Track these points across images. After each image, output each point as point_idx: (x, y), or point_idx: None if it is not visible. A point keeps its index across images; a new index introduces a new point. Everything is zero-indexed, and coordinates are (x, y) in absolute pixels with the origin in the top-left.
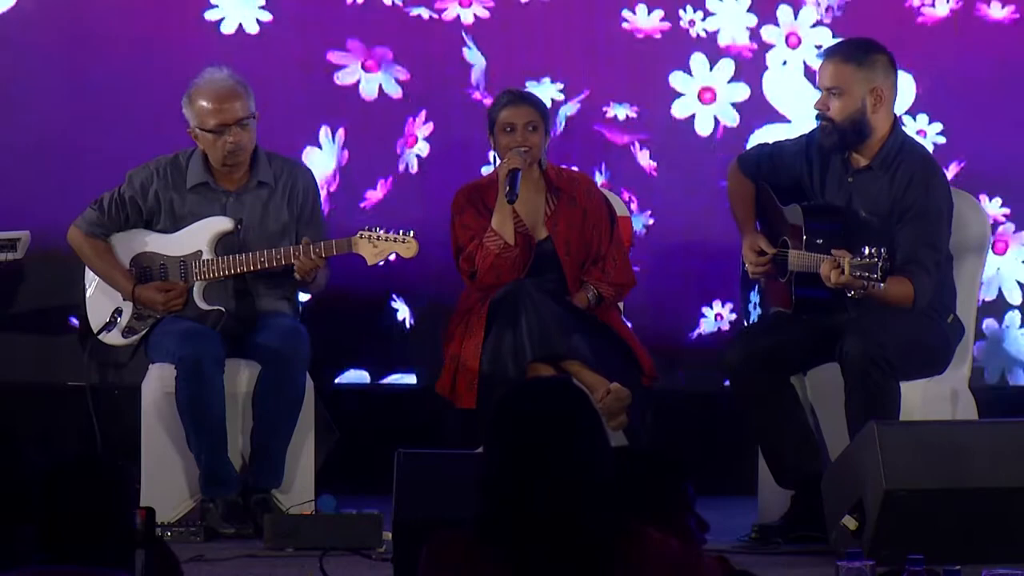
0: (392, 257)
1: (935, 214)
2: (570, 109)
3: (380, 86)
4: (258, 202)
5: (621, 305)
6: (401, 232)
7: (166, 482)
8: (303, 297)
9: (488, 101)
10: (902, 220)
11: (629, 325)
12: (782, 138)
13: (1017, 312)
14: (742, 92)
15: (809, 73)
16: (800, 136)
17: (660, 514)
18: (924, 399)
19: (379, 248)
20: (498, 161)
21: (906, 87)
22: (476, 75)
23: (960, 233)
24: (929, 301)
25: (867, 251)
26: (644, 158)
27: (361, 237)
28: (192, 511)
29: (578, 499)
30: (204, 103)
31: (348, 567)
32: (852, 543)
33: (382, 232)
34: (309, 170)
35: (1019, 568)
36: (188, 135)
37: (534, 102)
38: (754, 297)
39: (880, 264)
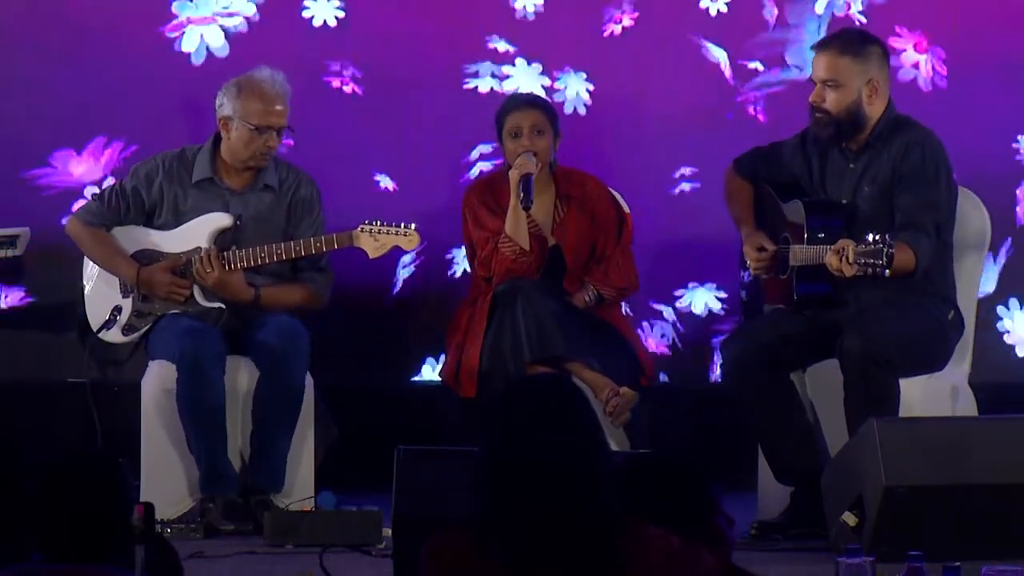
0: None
1: (932, 176)
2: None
3: None
4: (260, 204)
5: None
6: (402, 224)
7: (166, 479)
8: None
9: None
10: (901, 184)
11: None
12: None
13: None
14: None
15: None
16: (795, 135)
17: (689, 519)
18: (924, 395)
19: (380, 241)
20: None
21: None
22: None
23: (960, 230)
24: (929, 266)
25: (871, 238)
26: None
27: (362, 231)
28: (192, 509)
29: (575, 496)
30: (257, 100)
31: (348, 564)
32: (852, 539)
33: (383, 225)
34: (314, 182)
35: (1019, 564)
36: (217, 122)
37: (541, 105)
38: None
39: (884, 250)
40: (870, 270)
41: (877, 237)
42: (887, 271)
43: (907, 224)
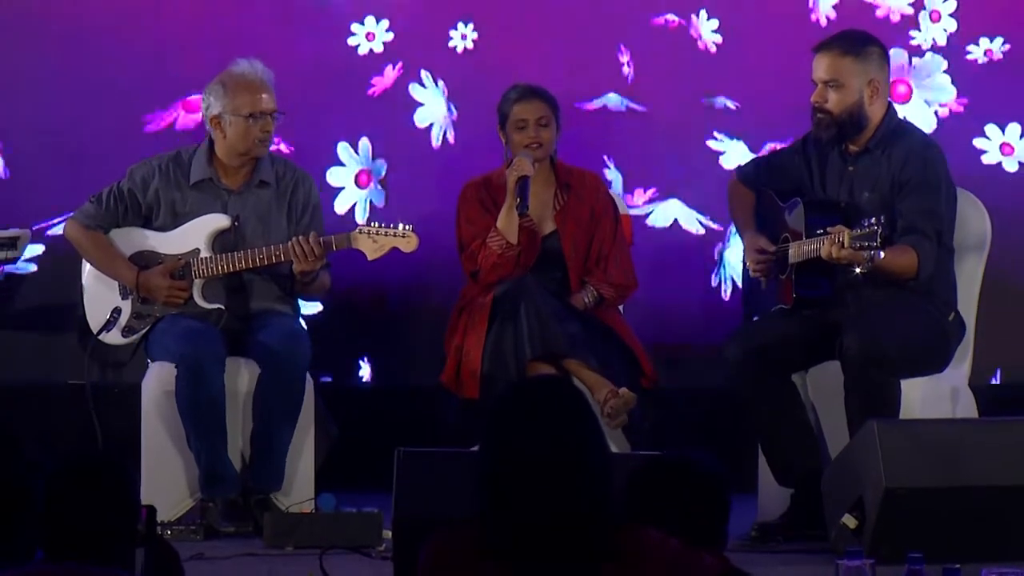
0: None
1: (934, 184)
2: None
3: None
4: (259, 202)
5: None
6: (401, 226)
7: (166, 481)
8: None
9: None
10: (902, 192)
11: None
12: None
13: None
14: None
15: None
16: (796, 140)
17: (703, 522)
18: (924, 397)
19: (379, 243)
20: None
21: None
22: None
23: (960, 231)
24: (932, 273)
25: (865, 222)
26: None
27: (360, 232)
28: (192, 510)
29: (575, 498)
30: (244, 92)
31: (348, 565)
32: (852, 541)
33: (382, 227)
34: (311, 177)
35: (1019, 566)
36: (207, 125)
37: (545, 97)
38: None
39: (879, 231)
40: (865, 254)
41: (872, 220)
42: (882, 253)
43: (909, 229)
